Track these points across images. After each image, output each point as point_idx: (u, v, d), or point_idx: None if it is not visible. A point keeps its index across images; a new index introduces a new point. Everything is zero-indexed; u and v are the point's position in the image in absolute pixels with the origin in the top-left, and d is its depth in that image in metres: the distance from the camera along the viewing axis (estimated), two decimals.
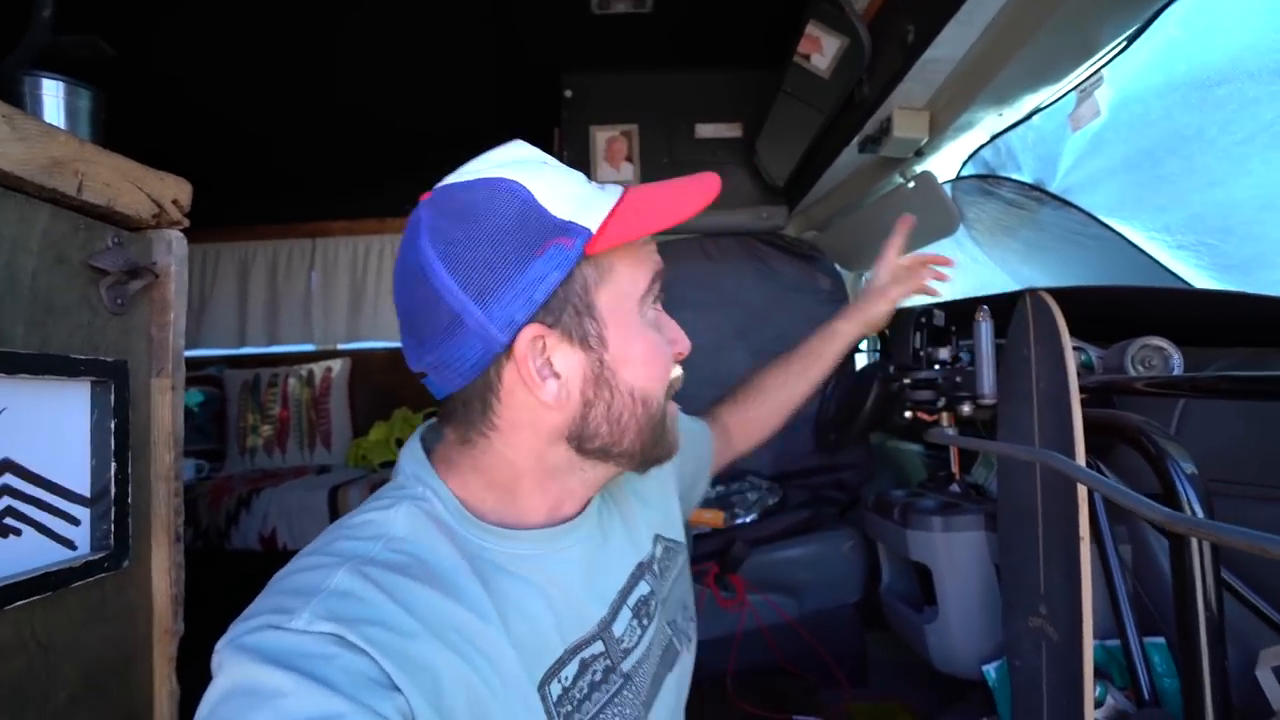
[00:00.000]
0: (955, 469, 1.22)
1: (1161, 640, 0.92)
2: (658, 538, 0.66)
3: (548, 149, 2.15)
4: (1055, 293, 0.88)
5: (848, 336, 0.90)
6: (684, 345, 0.55)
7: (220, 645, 0.39)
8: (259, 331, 2.85)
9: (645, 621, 0.59)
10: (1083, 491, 0.80)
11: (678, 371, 0.55)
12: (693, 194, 0.49)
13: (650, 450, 0.53)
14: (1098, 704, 0.86)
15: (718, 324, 1.98)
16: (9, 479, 0.47)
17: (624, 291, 0.50)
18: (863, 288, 0.91)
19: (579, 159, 1.97)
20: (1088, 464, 0.91)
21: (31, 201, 0.51)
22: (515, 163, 0.49)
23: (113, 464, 0.54)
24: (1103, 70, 0.96)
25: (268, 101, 2.14)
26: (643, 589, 0.60)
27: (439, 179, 0.51)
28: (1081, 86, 1.02)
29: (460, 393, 0.49)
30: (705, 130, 2.01)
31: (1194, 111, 0.90)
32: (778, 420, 0.91)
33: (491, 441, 0.50)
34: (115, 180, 0.57)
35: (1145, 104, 0.94)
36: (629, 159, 1.98)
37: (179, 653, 0.63)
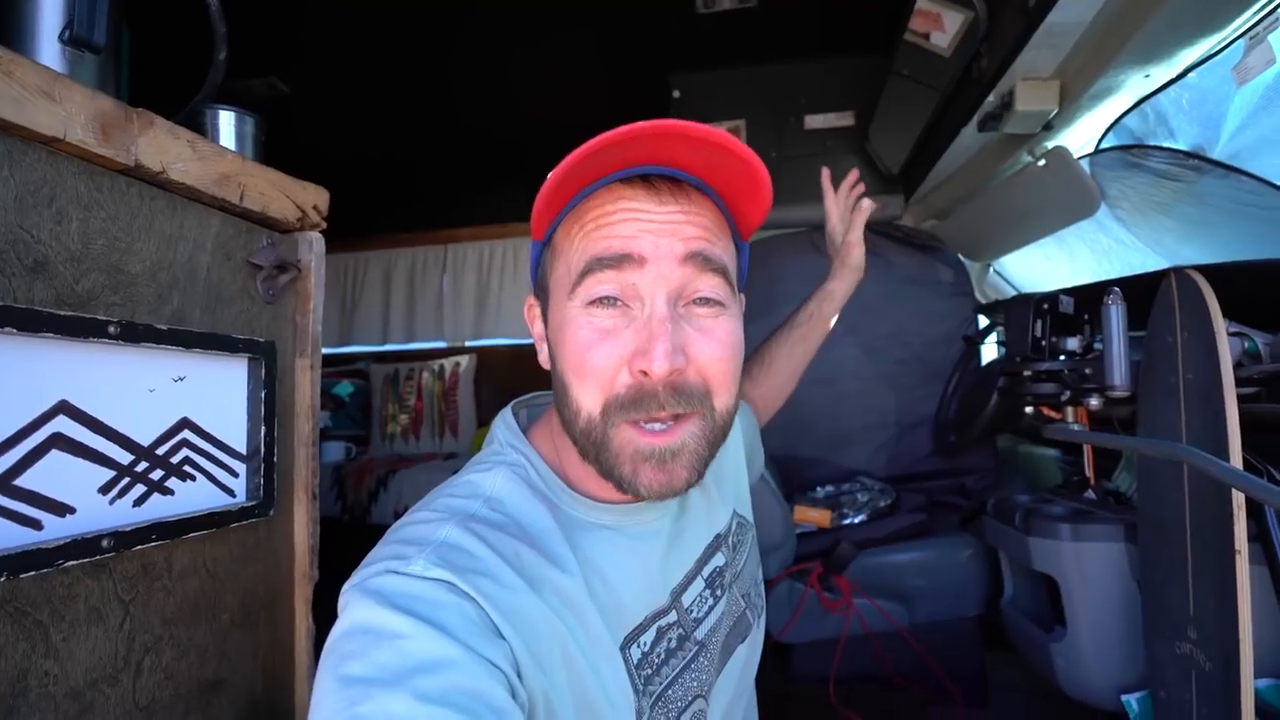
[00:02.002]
0: (1090, 473, 1.10)
1: None
2: (734, 513, 0.68)
3: None
4: (1206, 270, 0.77)
5: (843, 294, 0.90)
6: (645, 360, 0.45)
7: (346, 587, 0.43)
8: (399, 330, 3.17)
9: (719, 592, 0.60)
10: (1239, 498, 0.70)
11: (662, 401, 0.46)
12: (616, 138, 0.42)
13: (597, 464, 0.48)
14: None
15: None
16: (187, 433, 0.58)
17: (559, 276, 0.50)
18: (831, 249, 0.92)
19: None
20: (1253, 468, 0.79)
21: (207, 209, 0.62)
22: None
23: (263, 428, 0.64)
24: (1279, 9, 0.83)
25: (402, 126, 2.41)
26: (718, 560, 0.62)
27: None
28: (1251, 32, 0.88)
29: None
30: (815, 121, 1.96)
31: None
32: (788, 390, 0.94)
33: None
34: (268, 190, 0.67)
35: None
36: None
37: (315, 597, 0.73)
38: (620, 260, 0.46)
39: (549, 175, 0.44)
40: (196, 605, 0.59)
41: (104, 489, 0.51)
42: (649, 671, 0.51)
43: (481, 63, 2.03)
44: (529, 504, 0.51)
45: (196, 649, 0.59)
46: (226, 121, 0.72)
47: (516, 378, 2.99)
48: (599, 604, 0.49)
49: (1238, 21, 0.90)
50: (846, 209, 0.93)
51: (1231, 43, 0.93)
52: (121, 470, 0.52)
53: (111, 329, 0.50)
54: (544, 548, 0.48)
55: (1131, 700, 0.95)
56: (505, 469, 0.53)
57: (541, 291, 0.54)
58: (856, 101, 1.91)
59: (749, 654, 0.64)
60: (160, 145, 0.54)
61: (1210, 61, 0.97)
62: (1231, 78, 0.94)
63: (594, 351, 0.46)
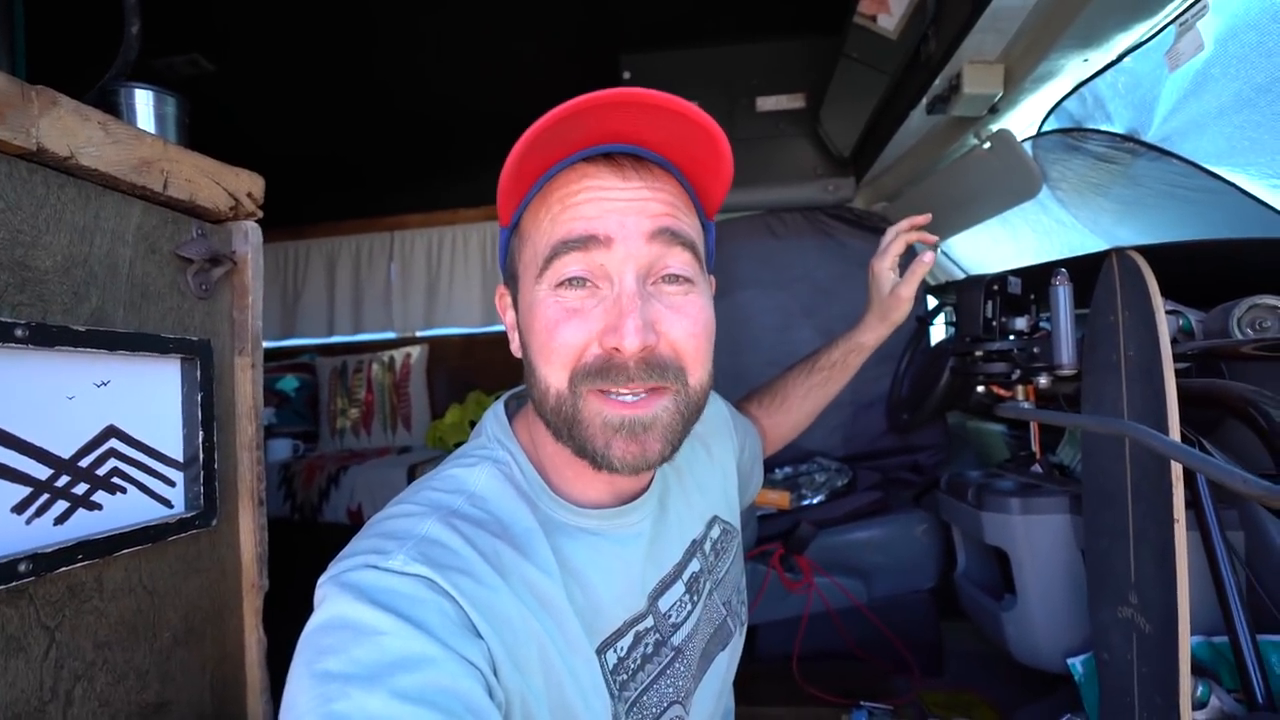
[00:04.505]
0: (1036, 448, 1.14)
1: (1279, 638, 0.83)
2: (715, 519, 0.67)
3: None
4: (1145, 250, 0.80)
5: (870, 349, 0.87)
6: (616, 337, 0.44)
7: (322, 580, 0.41)
8: (345, 321, 3.05)
9: (695, 598, 0.59)
10: (1176, 469, 0.73)
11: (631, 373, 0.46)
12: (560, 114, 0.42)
13: (570, 441, 0.48)
14: (1200, 704, 0.79)
15: (783, 302, 1.93)
16: (114, 443, 0.53)
17: (526, 260, 0.50)
18: (873, 296, 0.85)
19: None
20: (1189, 440, 0.83)
21: (126, 198, 0.57)
22: None
23: (200, 433, 0.60)
24: None
25: (340, 109, 2.29)
26: (694, 566, 0.61)
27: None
28: (1181, 19, 0.92)
29: None
30: (767, 103, 1.95)
31: None
32: (799, 429, 0.92)
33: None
34: (196, 177, 0.62)
35: (1261, 31, 0.83)
36: None
37: (266, 607, 0.69)
38: (586, 241, 0.45)
39: (510, 153, 0.43)
40: (134, 625, 0.55)
41: (18, 508, 0.46)
42: (624, 677, 0.50)
43: (419, 43, 1.94)
44: (512, 503, 0.50)
45: (135, 672, 0.55)
46: (144, 101, 0.66)
47: (470, 368, 2.93)
48: (577, 607, 0.48)
49: (1169, 8, 0.93)
50: (897, 252, 0.84)
51: (1163, 29, 0.96)
52: (39, 486, 0.48)
53: (19, 331, 0.45)
54: (525, 548, 0.47)
55: (1076, 663, 1.00)
56: (490, 465, 0.52)
57: (511, 279, 0.53)
58: (807, 83, 1.91)
59: (729, 660, 0.63)
60: (66, 127, 0.49)
61: (1144, 47, 1.00)
62: (1164, 63, 0.98)
63: (562, 329, 0.46)
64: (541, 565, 0.47)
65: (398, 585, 0.40)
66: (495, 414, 0.57)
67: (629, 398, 0.46)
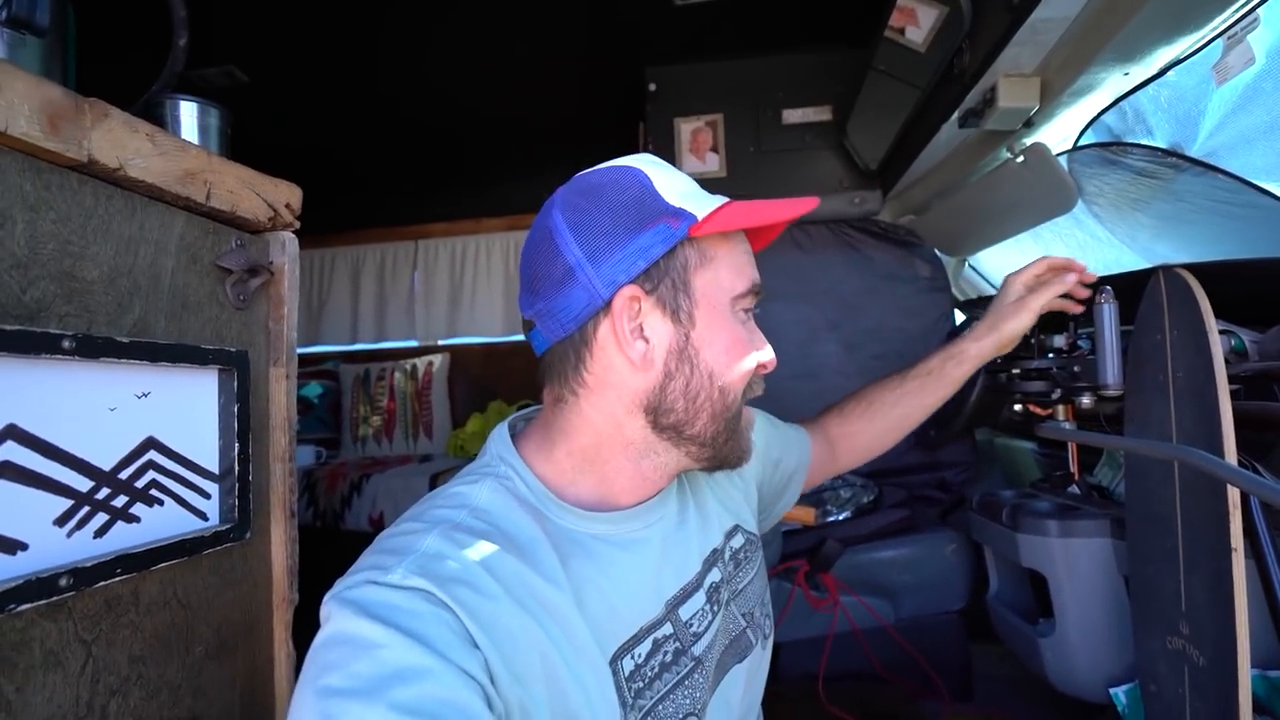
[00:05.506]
0: (1074, 468, 1.11)
1: None
2: (737, 529, 0.67)
3: (632, 143, 2.14)
4: (1195, 269, 0.77)
5: (977, 359, 0.81)
6: (771, 362, 0.57)
7: (328, 597, 0.43)
8: (368, 328, 3.08)
9: (715, 608, 0.59)
10: (1234, 495, 0.70)
11: (760, 386, 0.57)
12: (789, 205, 0.53)
13: (722, 446, 0.55)
14: None
15: (808, 316, 1.91)
16: (153, 455, 0.53)
17: (720, 283, 0.53)
18: (994, 303, 0.81)
19: (664, 152, 1.97)
20: (1245, 465, 0.80)
21: (170, 209, 0.57)
22: (640, 159, 0.56)
23: (236, 445, 0.60)
24: (1258, 9, 0.84)
25: (370, 119, 2.32)
26: (714, 575, 0.60)
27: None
28: (1230, 32, 0.89)
29: (559, 345, 0.53)
30: (793, 115, 1.94)
31: None
32: (887, 440, 0.86)
33: (580, 400, 0.53)
34: (237, 188, 0.62)
35: None
36: (714, 149, 1.95)
37: (295, 620, 0.69)
38: (762, 291, 0.57)
39: (742, 208, 0.52)
40: (167, 639, 0.55)
41: (60, 520, 0.46)
42: (640, 685, 0.50)
43: (454, 56, 1.96)
44: (515, 514, 0.51)
45: (168, 686, 0.54)
46: (189, 113, 0.66)
47: (491, 377, 2.93)
48: (588, 615, 0.48)
49: (1215, 22, 0.91)
50: (1044, 278, 0.82)
51: (1209, 42, 0.94)
52: (80, 499, 0.47)
53: (66, 343, 0.45)
54: (529, 558, 0.48)
55: (1119, 693, 0.96)
56: (492, 480, 0.53)
57: (670, 286, 0.52)
58: (833, 95, 1.90)
59: (749, 675, 0.62)
60: (116, 139, 0.49)
61: (1188, 61, 0.98)
62: (1209, 76, 0.96)
63: (748, 349, 0.55)
64: (546, 574, 0.48)
65: (396, 599, 0.41)
66: (499, 434, 0.58)
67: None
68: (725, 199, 0.54)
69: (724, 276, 0.54)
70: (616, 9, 1.76)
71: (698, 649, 0.55)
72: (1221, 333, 0.81)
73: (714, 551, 0.62)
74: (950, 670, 1.43)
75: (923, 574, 1.48)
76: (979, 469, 1.81)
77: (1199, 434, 0.75)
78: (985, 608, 1.26)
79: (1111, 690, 0.96)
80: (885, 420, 0.84)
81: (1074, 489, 1.11)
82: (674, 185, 0.53)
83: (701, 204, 0.52)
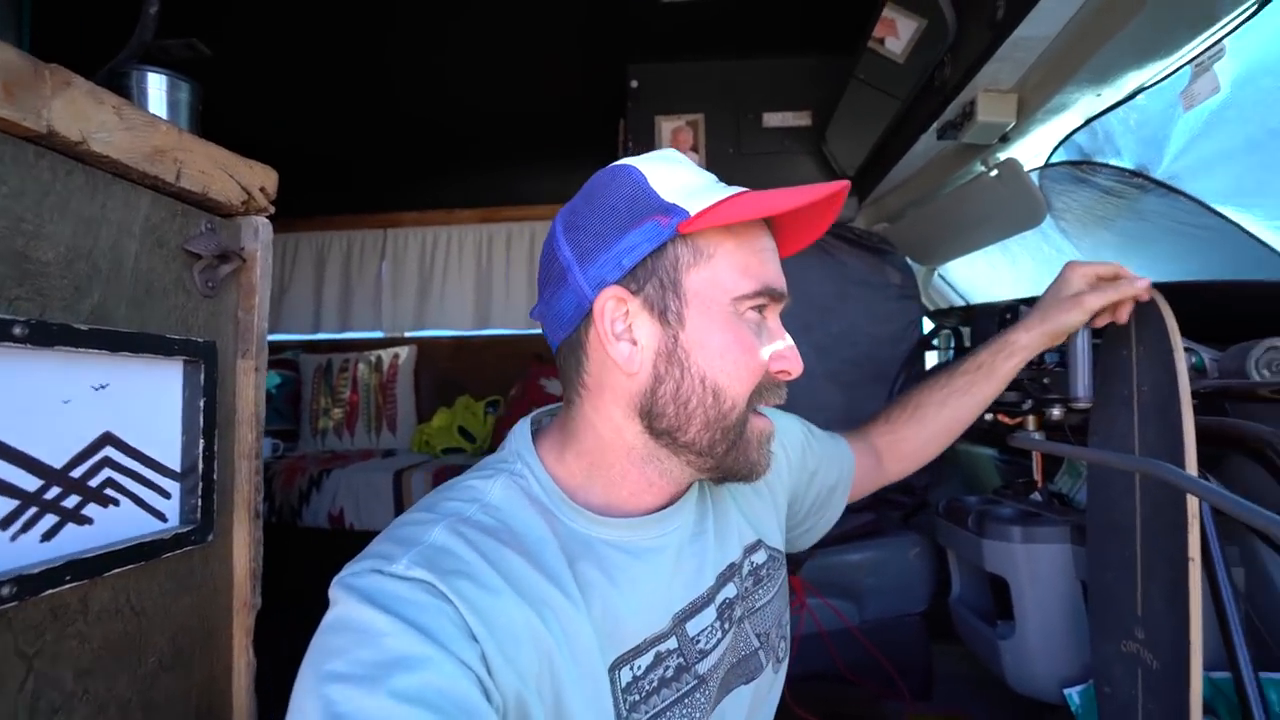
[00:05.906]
0: (1038, 476, 1.14)
1: (1279, 676, 0.83)
2: (759, 544, 0.65)
3: (613, 140, 2.11)
4: (1162, 288, 0.80)
5: (1027, 350, 0.78)
6: (792, 366, 0.54)
7: (335, 581, 0.43)
8: (332, 318, 2.98)
9: (727, 625, 0.57)
10: (1193, 506, 0.73)
11: (782, 394, 0.55)
12: (805, 191, 0.49)
13: (722, 456, 0.52)
14: None
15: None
16: (109, 451, 0.50)
17: (719, 282, 0.51)
18: (1048, 294, 0.77)
19: (644, 149, 1.95)
20: (1204, 479, 0.83)
21: (135, 188, 0.53)
22: (649, 157, 0.55)
23: (201, 441, 0.56)
24: (1224, 40, 0.87)
25: (339, 102, 2.24)
26: (728, 591, 0.59)
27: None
28: (1198, 60, 0.93)
29: (563, 346, 0.54)
30: (773, 119, 1.95)
31: None
32: (936, 445, 0.83)
33: (583, 402, 0.53)
34: (209, 168, 0.59)
35: (1277, 76, 0.84)
36: (694, 149, 1.95)
37: (256, 626, 0.65)
38: (780, 295, 0.54)
39: (744, 200, 0.49)
40: (118, 650, 0.51)
41: (3, 523, 0.43)
42: (636, 698, 0.49)
43: (423, 44, 1.90)
44: (525, 514, 0.50)
45: (116, 702, 0.51)
46: (157, 86, 0.62)
47: (459, 371, 2.88)
48: (593, 619, 0.48)
49: (1184, 50, 0.94)
50: (1107, 280, 0.78)
51: (1178, 69, 0.98)
52: (27, 499, 0.44)
53: (17, 330, 0.41)
54: (535, 557, 0.47)
55: (1073, 693, 0.99)
56: (505, 477, 0.52)
57: (657, 286, 0.50)
58: (813, 101, 1.92)
59: (755, 698, 0.60)
60: (79, 110, 0.46)
61: (1157, 86, 1.02)
62: (1177, 102, 0.99)
63: (752, 353, 0.52)
64: (553, 575, 0.47)
65: (399, 589, 0.41)
66: (520, 430, 0.57)
67: (764, 411, 0.54)
68: (741, 189, 0.51)
69: (723, 275, 0.51)
70: (601, 3, 1.74)
71: (702, 667, 0.54)
72: (1185, 350, 0.84)
73: (730, 566, 0.60)
74: (912, 671, 1.46)
75: (887, 577, 1.51)
76: (941, 473, 1.85)
77: (1162, 447, 0.78)
78: (947, 610, 1.29)
79: (1066, 691, 1.00)
80: (935, 423, 0.81)
81: (1036, 496, 1.14)
82: (674, 180, 0.51)
83: (701, 198, 0.50)
